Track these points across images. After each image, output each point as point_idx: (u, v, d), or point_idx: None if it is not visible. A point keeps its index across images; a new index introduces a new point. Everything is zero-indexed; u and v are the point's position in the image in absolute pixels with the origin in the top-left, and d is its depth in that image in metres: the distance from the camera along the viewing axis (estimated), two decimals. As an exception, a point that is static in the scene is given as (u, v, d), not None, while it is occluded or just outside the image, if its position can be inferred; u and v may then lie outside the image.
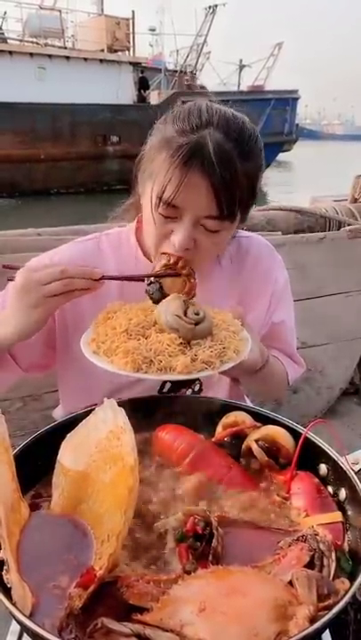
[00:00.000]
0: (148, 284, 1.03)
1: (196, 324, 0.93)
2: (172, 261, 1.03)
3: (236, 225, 1.09)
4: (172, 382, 1.24)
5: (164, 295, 1.01)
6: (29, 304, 0.97)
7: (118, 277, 1.08)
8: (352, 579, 0.68)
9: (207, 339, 0.94)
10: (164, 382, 1.23)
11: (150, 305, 1.02)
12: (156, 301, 1.02)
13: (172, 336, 0.92)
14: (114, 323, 0.98)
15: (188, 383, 1.26)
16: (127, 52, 19.99)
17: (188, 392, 1.25)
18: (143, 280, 1.05)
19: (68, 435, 0.85)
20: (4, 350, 1.08)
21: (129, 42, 19.95)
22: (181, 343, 0.92)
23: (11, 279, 0.99)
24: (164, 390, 1.23)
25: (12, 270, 0.99)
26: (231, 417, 0.97)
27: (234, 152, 0.97)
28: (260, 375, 1.15)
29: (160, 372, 0.88)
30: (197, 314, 0.94)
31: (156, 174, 1.01)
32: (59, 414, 1.35)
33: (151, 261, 1.16)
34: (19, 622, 0.62)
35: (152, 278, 1.03)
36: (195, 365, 0.89)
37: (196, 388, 1.27)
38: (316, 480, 0.88)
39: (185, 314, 0.94)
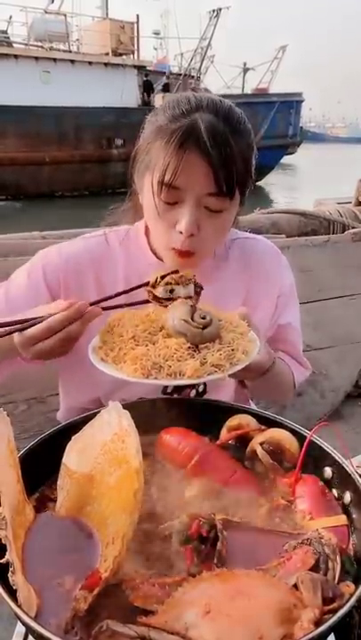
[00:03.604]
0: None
1: (204, 327, 0.93)
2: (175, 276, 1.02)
3: (237, 207, 1.09)
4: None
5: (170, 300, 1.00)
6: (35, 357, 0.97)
7: (106, 298, 1.03)
8: (357, 582, 0.67)
9: (215, 342, 0.94)
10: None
11: (154, 310, 1.02)
12: (165, 304, 1.01)
13: (179, 340, 0.92)
14: (120, 330, 0.98)
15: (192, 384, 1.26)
16: (132, 55, 20.04)
17: (193, 393, 1.25)
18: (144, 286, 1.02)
19: (73, 437, 0.86)
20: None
21: (133, 45, 20.01)
22: (190, 347, 0.92)
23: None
24: (168, 391, 1.23)
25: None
26: (236, 420, 0.97)
27: (226, 129, 0.99)
28: (267, 377, 1.15)
29: (170, 378, 0.88)
30: (204, 317, 0.94)
31: (153, 164, 1.02)
32: (62, 415, 1.35)
33: (159, 259, 1.16)
34: (24, 624, 0.62)
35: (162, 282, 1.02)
36: (204, 369, 0.88)
37: (201, 388, 1.27)
38: (321, 483, 0.88)
39: (192, 318, 0.94)
